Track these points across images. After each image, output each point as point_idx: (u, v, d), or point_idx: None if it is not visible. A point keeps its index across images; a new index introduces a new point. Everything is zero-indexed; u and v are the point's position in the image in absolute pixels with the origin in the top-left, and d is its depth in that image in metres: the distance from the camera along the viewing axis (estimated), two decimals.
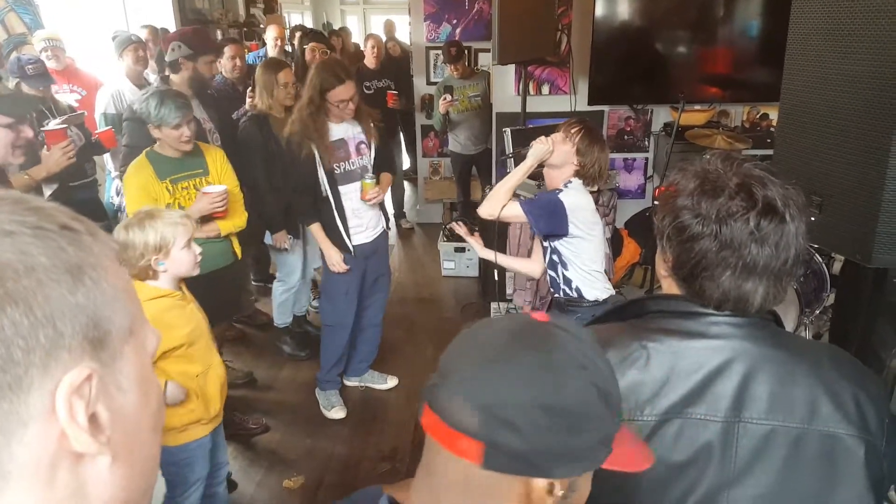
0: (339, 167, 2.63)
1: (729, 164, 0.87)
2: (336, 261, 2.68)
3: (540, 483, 0.59)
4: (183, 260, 1.74)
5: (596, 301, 2.27)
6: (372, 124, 2.73)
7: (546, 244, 2.28)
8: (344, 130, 2.65)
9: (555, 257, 2.27)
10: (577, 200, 2.18)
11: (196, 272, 1.82)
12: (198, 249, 1.80)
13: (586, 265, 2.23)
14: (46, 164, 2.32)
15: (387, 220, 2.92)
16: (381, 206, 2.84)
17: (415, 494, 0.64)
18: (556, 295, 2.35)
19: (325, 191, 2.61)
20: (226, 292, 2.58)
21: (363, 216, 2.72)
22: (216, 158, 2.45)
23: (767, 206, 0.82)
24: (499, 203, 2.21)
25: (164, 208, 1.93)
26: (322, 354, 2.95)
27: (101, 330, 0.39)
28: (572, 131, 2.20)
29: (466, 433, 0.57)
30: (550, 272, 2.32)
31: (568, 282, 2.26)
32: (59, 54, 3.38)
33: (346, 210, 2.66)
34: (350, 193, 2.66)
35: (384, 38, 7.11)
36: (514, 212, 2.21)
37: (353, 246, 2.70)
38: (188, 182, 2.36)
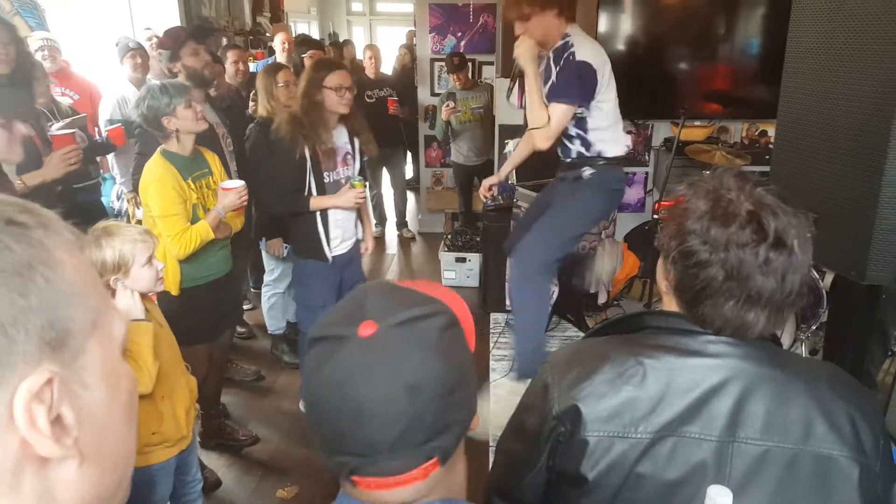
0: (327, 176, 2.60)
1: (742, 185, 0.85)
2: (349, 196, 2.56)
3: None
4: (144, 278, 1.66)
5: (616, 157, 2.24)
6: (364, 135, 2.70)
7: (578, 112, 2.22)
8: (334, 139, 2.61)
9: (578, 125, 2.21)
10: (591, 50, 2.12)
11: (159, 289, 1.74)
12: (160, 266, 1.72)
13: (609, 120, 2.18)
14: (44, 171, 2.21)
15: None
16: (359, 214, 2.81)
17: None
18: (568, 159, 2.30)
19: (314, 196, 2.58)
20: (230, 299, 2.58)
21: (344, 227, 2.69)
22: (214, 160, 2.43)
23: (777, 239, 0.81)
24: (542, 118, 2.13)
25: (123, 223, 1.81)
26: (301, 365, 2.94)
27: (59, 329, 0.37)
28: (513, 12, 2.15)
29: (422, 464, 0.60)
30: (564, 141, 2.27)
31: (587, 144, 2.22)
32: (56, 55, 3.38)
33: (330, 220, 2.63)
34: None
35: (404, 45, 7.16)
36: (559, 112, 2.13)
37: (333, 256, 2.66)
38: (201, 181, 2.33)
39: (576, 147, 2.23)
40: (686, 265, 0.86)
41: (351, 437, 0.59)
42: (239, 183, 2.30)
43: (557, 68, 2.13)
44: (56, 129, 2.42)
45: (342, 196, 2.59)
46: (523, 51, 2.11)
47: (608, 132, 2.19)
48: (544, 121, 2.10)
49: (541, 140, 2.16)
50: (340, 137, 2.65)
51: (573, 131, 2.20)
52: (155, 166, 2.20)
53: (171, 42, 2.88)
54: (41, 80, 2.71)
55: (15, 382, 0.35)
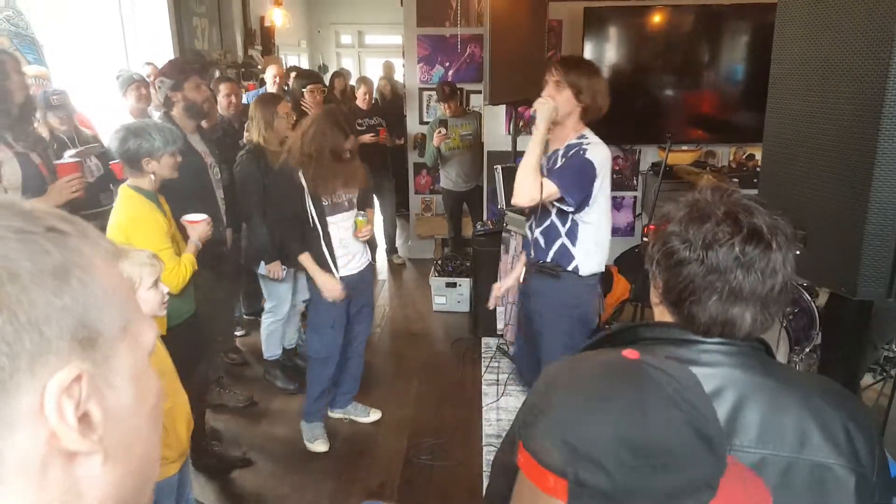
0: (327, 198, 2.66)
1: (719, 194, 0.90)
2: (331, 287, 2.66)
3: None
4: (149, 300, 1.68)
5: (592, 274, 2.16)
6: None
7: (560, 220, 2.15)
8: None
9: (563, 229, 2.14)
10: (603, 154, 2.07)
11: (163, 313, 1.75)
12: (165, 289, 1.74)
13: (596, 236, 2.12)
14: (46, 198, 2.25)
15: (373, 251, 2.93)
16: (369, 239, 2.87)
17: None
18: (540, 261, 2.19)
19: (314, 221, 2.63)
20: (194, 343, 2.43)
21: (350, 247, 2.74)
22: (161, 199, 2.38)
23: (753, 232, 0.84)
24: (533, 185, 2.03)
25: (131, 247, 1.84)
26: (308, 387, 2.92)
27: (91, 330, 0.39)
28: (555, 74, 2.06)
29: (553, 470, 0.58)
30: (542, 239, 2.18)
31: (567, 257, 2.14)
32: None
33: (334, 240, 2.68)
34: (338, 224, 2.69)
35: (383, 77, 7.30)
36: (549, 190, 2.03)
37: (340, 277, 2.71)
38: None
39: (551, 252, 2.16)
40: (669, 265, 0.89)
41: (552, 396, 0.62)
42: (203, 216, 2.35)
43: (564, 159, 2.12)
44: (67, 156, 2.46)
45: (326, 284, 2.63)
46: (545, 109, 2.05)
47: (595, 246, 2.14)
48: (533, 186, 2.03)
49: (522, 197, 2.07)
50: None
51: (563, 234, 2.13)
52: (133, 204, 2.18)
53: (176, 73, 2.94)
54: (58, 109, 2.76)
55: (47, 376, 0.37)
